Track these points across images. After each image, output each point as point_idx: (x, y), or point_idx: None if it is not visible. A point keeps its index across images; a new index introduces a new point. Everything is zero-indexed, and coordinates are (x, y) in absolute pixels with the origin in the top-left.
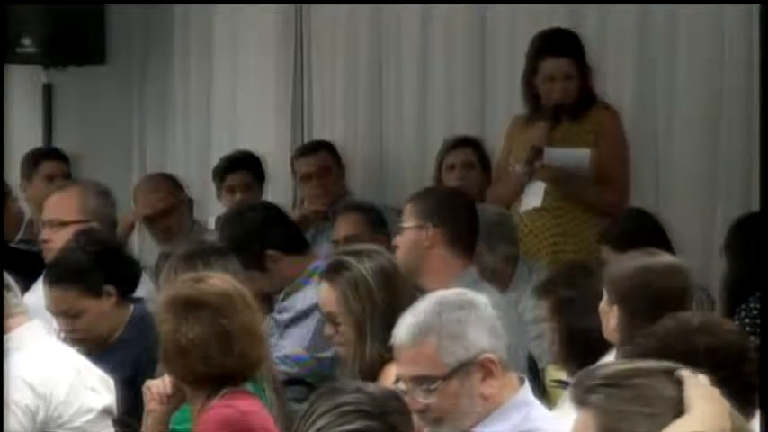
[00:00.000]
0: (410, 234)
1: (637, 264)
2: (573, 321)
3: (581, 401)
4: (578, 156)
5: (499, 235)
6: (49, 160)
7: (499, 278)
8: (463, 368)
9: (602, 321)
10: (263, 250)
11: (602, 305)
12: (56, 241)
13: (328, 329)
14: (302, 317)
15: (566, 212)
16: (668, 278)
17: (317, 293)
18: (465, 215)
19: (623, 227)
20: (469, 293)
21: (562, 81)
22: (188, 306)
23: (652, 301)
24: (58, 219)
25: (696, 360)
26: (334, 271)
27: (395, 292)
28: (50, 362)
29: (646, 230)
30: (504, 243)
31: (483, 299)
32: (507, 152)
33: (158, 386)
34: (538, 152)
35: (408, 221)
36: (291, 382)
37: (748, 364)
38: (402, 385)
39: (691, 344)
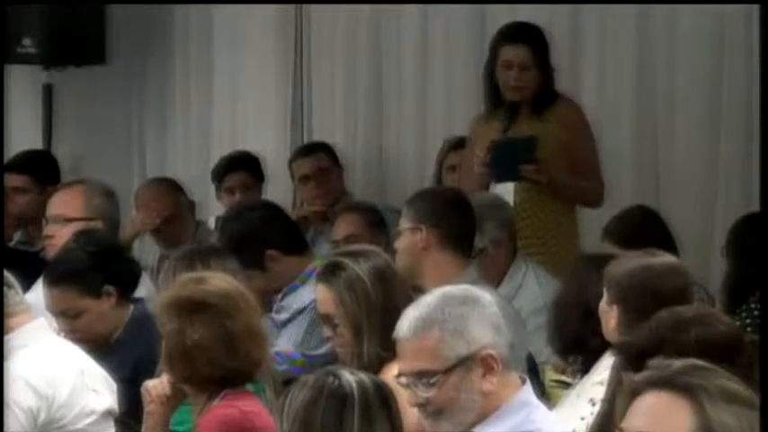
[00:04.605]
0: (406, 237)
1: (637, 264)
2: None
3: (669, 383)
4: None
5: (488, 216)
6: (8, 173)
7: (490, 264)
8: (464, 363)
9: (602, 321)
10: (262, 250)
11: (602, 305)
12: (59, 237)
13: (326, 331)
14: (297, 316)
15: (534, 213)
16: (668, 278)
17: (313, 293)
18: (460, 216)
19: (627, 223)
20: (475, 290)
21: (518, 70)
22: (191, 308)
23: (652, 301)
24: (62, 215)
25: (687, 351)
26: (330, 272)
27: (392, 293)
28: (53, 362)
29: (650, 227)
30: (493, 225)
31: (488, 296)
32: (471, 151)
33: (157, 387)
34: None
35: (404, 224)
36: (291, 382)
37: (740, 356)
38: (403, 379)
39: (683, 335)
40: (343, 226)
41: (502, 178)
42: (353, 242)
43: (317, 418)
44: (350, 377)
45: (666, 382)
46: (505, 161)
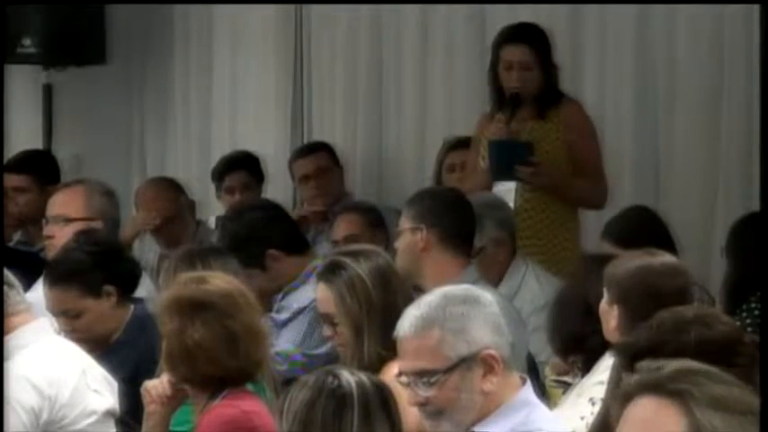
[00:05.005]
0: (405, 237)
1: (637, 263)
2: None
3: (659, 388)
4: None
5: (487, 215)
6: (8, 173)
7: (489, 263)
8: (464, 363)
9: (603, 321)
10: (264, 249)
11: (603, 305)
12: (59, 237)
13: (327, 330)
14: (297, 315)
15: (536, 213)
16: (668, 278)
17: (313, 293)
18: (459, 215)
19: (626, 223)
20: (476, 289)
21: (519, 70)
22: (192, 307)
23: (652, 301)
24: (62, 215)
25: (687, 352)
26: (330, 272)
27: (392, 292)
28: (56, 362)
29: (649, 227)
30: (492, 224)
31: (489, 296)
32: (476, 151)
33: (157, 388)
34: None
35: (403, 224)
36: (291, 381)
37: (741, 357)
38: (404, 378)
39: (683, 336)
40: (343, 226)
41: (499, 177)
42: (353, 242)
43: (317, 418)
44: (349, 377)
45: (655, 387)
46: (503, 160)
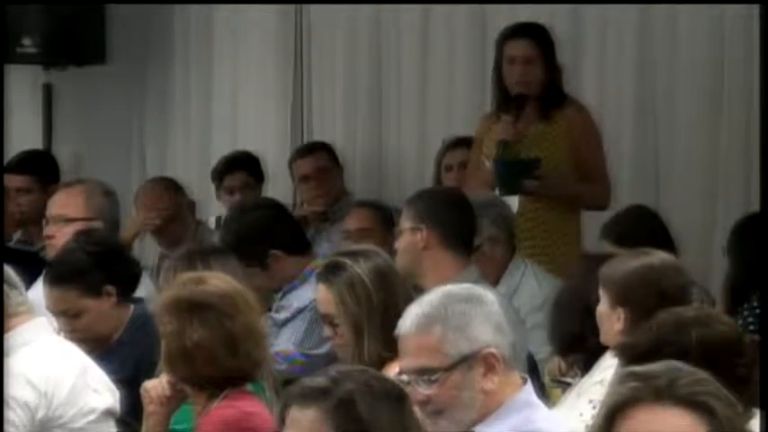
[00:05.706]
0: (406, 237)
1: (636, 264)
2: None
3: (686, 399)
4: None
5: (484, 213)
6: (9, 173)
7: (487, 262)
8: (466, 361)
9: (603, 326)
10: (266, 249)
11: (602, 309)
12: (60, 237)
13: (327, 331)
14: (297, 315)
15: (539, 215)
16: (669, 275)
17: (313, 292)
18: (459, 215)
19: (625, 223)
20: (478, 288)
21: (522, 64)
22: (191, 308)
23: (656, 301)
24: (62, 215)
25: (689, 352)
26: (330, 272)
27: (392, 292)
28: (54, 360)
29: (648, 227)
30: (489, 222)
31: (490, 295)
32: (478, 150)
33: (157, 388)
34: (505, 146)
35: (404, 224)
36: (291, 381)
37: (741, 357)
38: (405, 377)
39: (684, 336)
40: (355, 219)
41: (504, 194)
42: (365, 236)
43: (380, 419)
44: (387, 376)
45: (670, 396)
46: (509, 179)
